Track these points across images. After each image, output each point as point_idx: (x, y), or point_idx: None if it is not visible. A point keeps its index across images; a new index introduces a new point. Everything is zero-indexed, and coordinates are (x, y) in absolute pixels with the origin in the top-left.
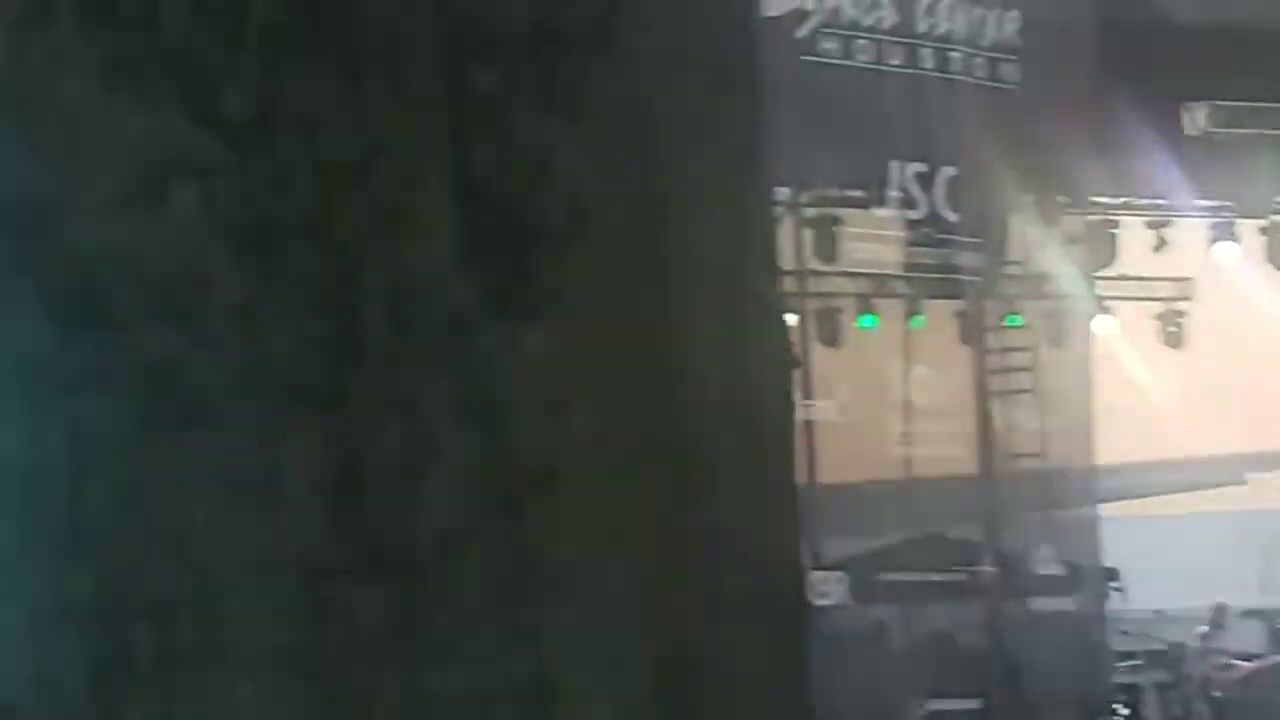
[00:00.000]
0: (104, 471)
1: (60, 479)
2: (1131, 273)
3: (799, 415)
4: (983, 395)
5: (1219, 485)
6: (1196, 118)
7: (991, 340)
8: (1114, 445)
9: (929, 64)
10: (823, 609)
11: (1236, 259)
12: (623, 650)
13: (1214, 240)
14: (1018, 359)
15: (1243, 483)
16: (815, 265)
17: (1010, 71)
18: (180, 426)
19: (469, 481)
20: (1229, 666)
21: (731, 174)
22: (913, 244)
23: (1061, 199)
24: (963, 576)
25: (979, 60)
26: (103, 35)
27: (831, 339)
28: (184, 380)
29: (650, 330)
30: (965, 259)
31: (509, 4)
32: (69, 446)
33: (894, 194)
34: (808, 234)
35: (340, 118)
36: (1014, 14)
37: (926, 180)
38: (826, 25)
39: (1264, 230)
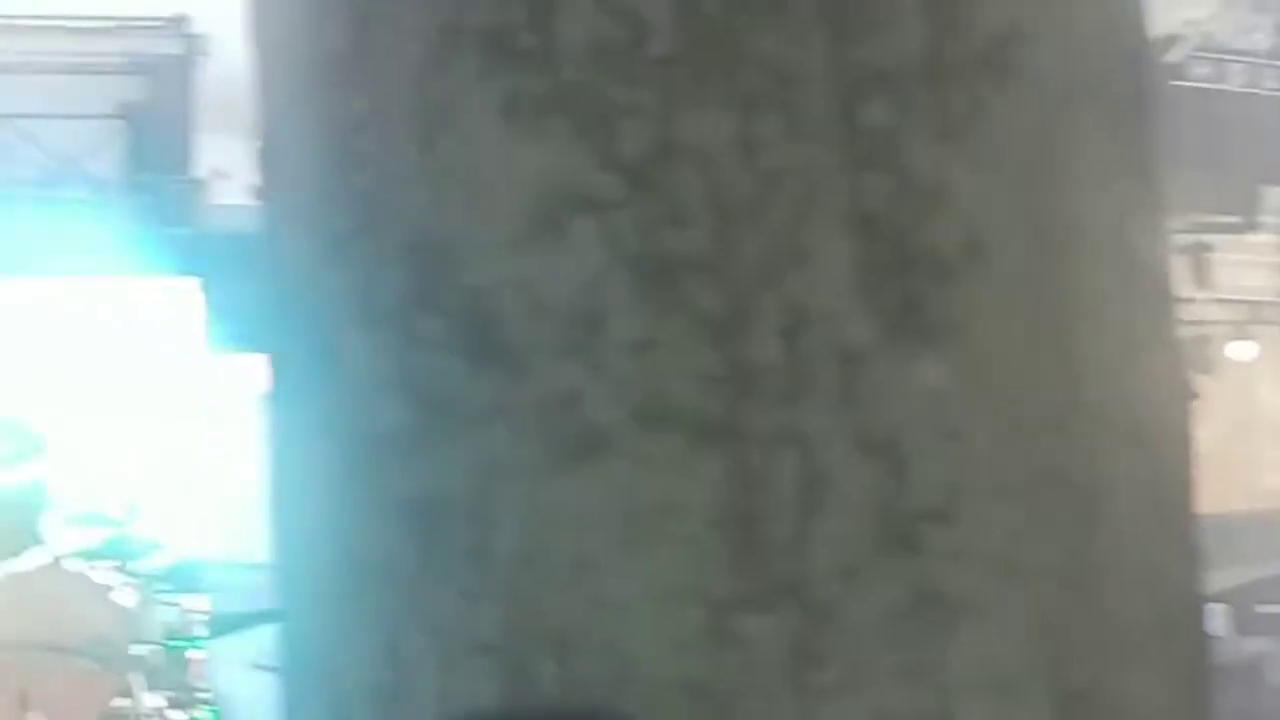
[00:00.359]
0: (508, 504)
1: (466, 511)
2: None
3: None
4: None
5: None
6: None
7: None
8: None
9: None
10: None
11: None
12: (1023, 682)
13: None
14: None
15: None
16: (1188, 292)
17: None
18: (581, 459)
19: (866, 513)
20: None
21: (1128, 204)
22: None
23: None
24: None
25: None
26: (503, 73)
27: (1205, 367)
28: (584, 414)
29: (1047, 360)
30: None
31: (902, 36)
32: (475, 480)
33: (1267, 219)
34: (1180, 261)
35: (736, 152)
36: None
37: None
38: (1199, 49)
39: None
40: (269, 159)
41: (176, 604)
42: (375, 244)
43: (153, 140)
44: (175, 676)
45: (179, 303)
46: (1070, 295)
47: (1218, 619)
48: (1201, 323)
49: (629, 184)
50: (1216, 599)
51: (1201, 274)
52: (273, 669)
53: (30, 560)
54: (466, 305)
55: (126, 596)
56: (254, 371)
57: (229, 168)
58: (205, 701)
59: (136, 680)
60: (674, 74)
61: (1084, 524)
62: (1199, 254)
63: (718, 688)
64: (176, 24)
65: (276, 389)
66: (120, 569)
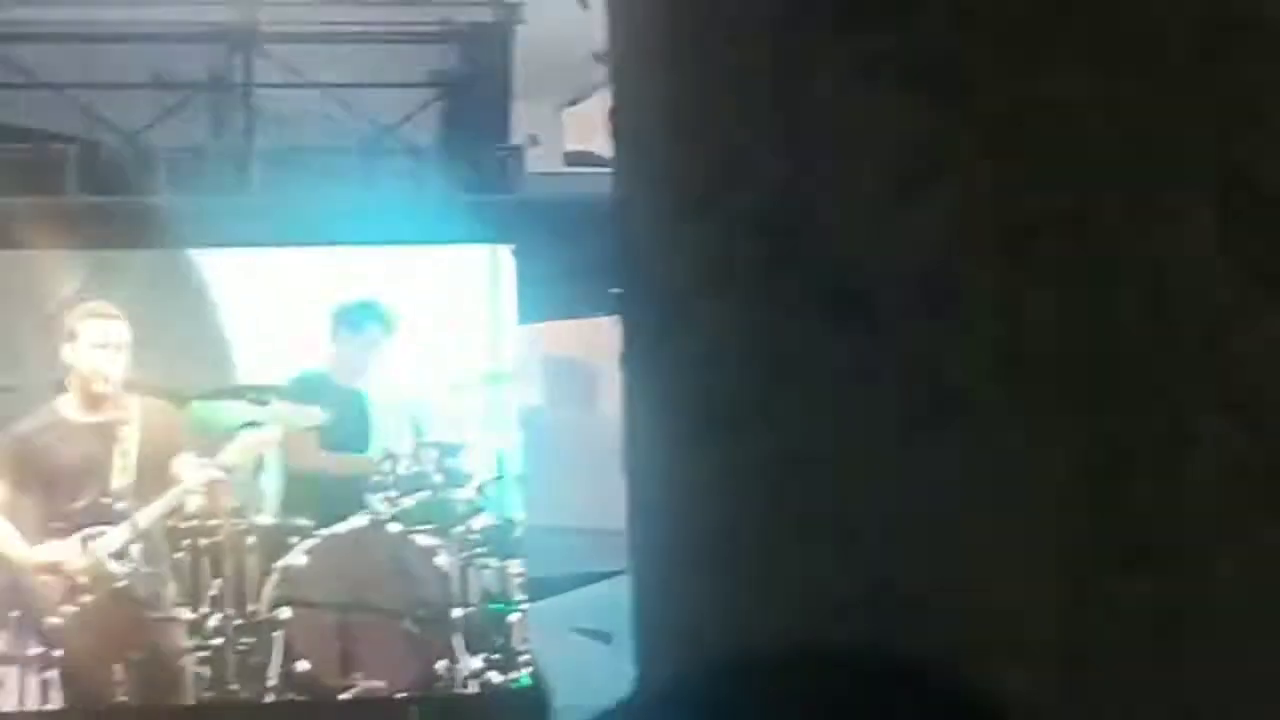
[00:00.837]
0: (866, 467)
1: (823, 475)
2: None
3: None
4: None
5: None
6: None
7: None
8: None
9: None
10: None
11: None
12: None
13: None
14: None
15: None
16: None
17: None
18: (941, 421)
19: (1228, 472)
20: None
21: None
22: None
23: None
24: None
25: None
26: (861, 33)
27: None
28: (944, 375)
29: None
30: None
31: None
32: (831, 443)
33: None
34: None
35: (1098, 110)
36: None
37: None
38: None
39: None
40: (621, 124)
41: (496, 568)
42: (730, 207)
43: (469, 108)
44: (495, 640)
45: (495, 270)
46: None
47: None
48: None
49: (989, 144)
50: None
51: None
52: (589, 632)
53: (353, 524)
54: (824, 267)
55: (447, 560)
56: (566, 338)
57: (544, 135)
58: (525, 665)
59: (457, 643)
60: (1034, 33)
61: None
62: None
63: (1082, 649)
64: None
65: (629, 353)
66: (440, 533)
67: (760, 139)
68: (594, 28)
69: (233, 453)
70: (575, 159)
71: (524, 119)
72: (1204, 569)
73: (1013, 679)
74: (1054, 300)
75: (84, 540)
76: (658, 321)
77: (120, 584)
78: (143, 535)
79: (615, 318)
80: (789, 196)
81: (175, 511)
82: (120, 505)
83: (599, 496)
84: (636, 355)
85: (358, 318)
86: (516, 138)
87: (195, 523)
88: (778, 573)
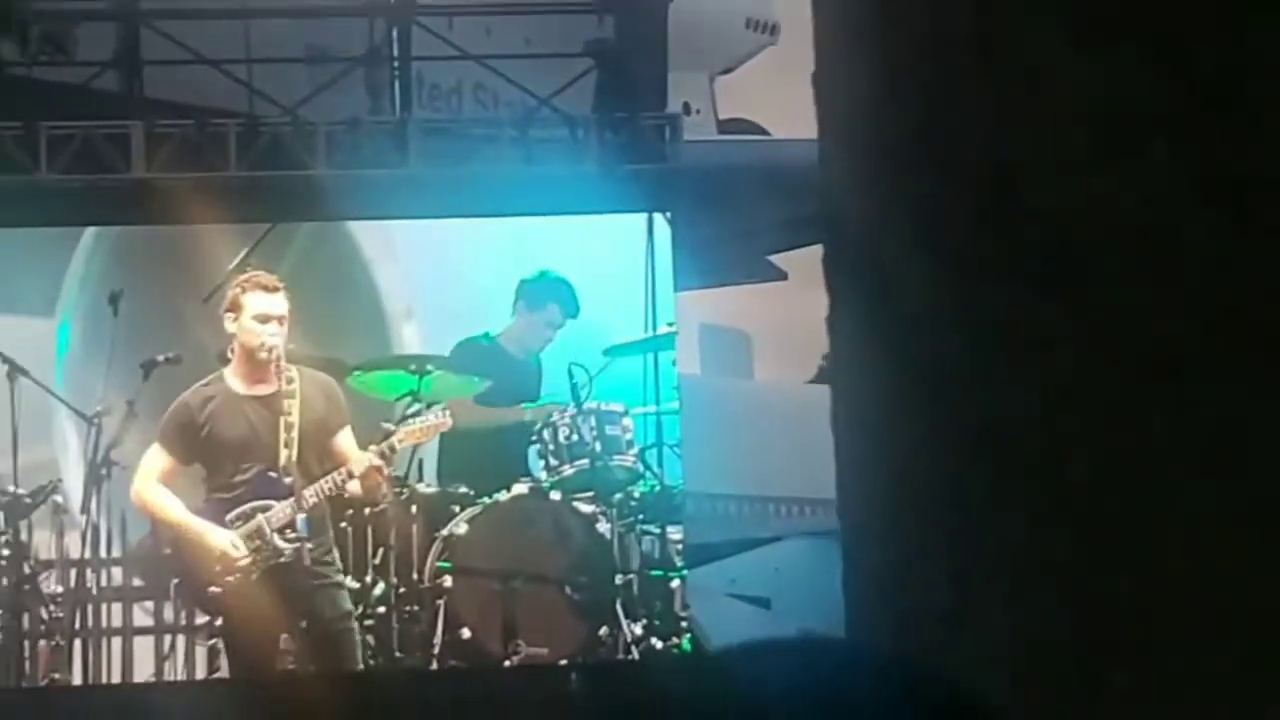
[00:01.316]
0: (1078, 427)
1: (1034, 436)
2: None
3: None
4: None
5: None
6: None
7: None
8: None
9: None
10: None
11: None
12: None
13: None
14: None
15: None
16: None
17: None
18: (1154, 380)
19: None
20: None
21: None
22: None
23: None
24: None
25: None
26: None
27: None
28: (1157, 334)
29: None
30: None
31: None
32: (1042, 404)
33: None
34: None
35: None
36: None
37: None
38: None
39: None
40: (824, 90)
41: (655, 534)
42: (935, 170)
43: (625, 78)
44: (655, 605)
45: (653, 238)
46: None
47: None
48: None
49: (1201, 103)
50: None
51: None
52: (748, 598)
53: (514, 492)
54: (1032, 228)
55: (607, 527)
56: (721, 305)
57: (698, 104)
58: (685, 630)
59: (618, 610)
60: None
61: None
62: None
63: None
64: None
65: (836, 318)
66: (601, 500)
67: (965, 102)
68: None
69: (405, 438)
70: (729, 127)
71: (677, 88)
72: None
73: (1231, 643)
74: (1264, 259)
75: (248, 514)
76: (868, 285)
77: (286, 559)
78: (308, 509)
79: (773, 282)
80: (994, 159)
81: (340, 485)
82: (287, 479)
83: (756, 463)
84: (846, 318)
85: (538, 295)
86: (671, 107)
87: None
88: (989, 535)
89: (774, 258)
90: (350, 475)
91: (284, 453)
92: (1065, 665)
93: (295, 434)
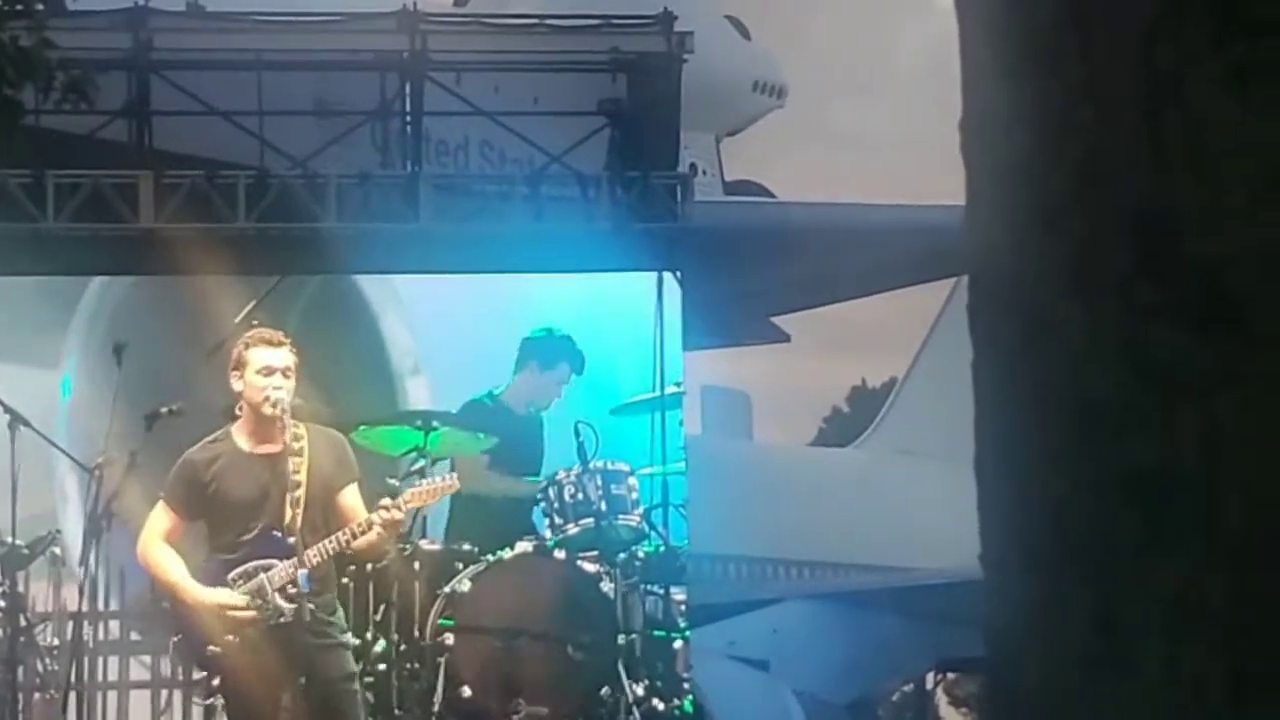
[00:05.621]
0: (1236, 474)
1: (1192, 482)
2: None
3: None
4: None
5: None
6: None
7: None
8: None
9: None
10: None
11: None
12: None
13: None
14: None
15: None
16: None
17: None
18: None
19: None
20: None
21: None
22: None
23: None
24: None
25: None
26: (1235, 41)
27: None
28: None
29: None
30: None
31: None
32: (1200, 450)
33: None
34: None
35: None
36: None
37: None
38: None
39: None
40: (971, 134)
41: (659, 594)
42: (1092, 213)
43: (636, 136)
44: (657, 666)
45: (662, 297)
46: None
47: None
48: None
49: None
50: None
51: None
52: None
53: (518, 550)
54: (1192, 274)
55: (611, 587)
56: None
57: (704, 164)
58: (686, 692)
59: (620, 670)
60: None
61: None
62: None
63: None
64: (661, 21)
65: (982, 360)
66: (605, 559)
67: (1124, 147)
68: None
69: (412, 499)
70: (735, 189)
71: (684, 149)
72: None
73: None
74: None
75: (250, 573)
76: (1015, 328)
77: (285, 619)
78: (311, 568)
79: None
80: (1154, 204)
81: (345, 545)
82: (290, 540)
83: (757, 525)
84: (993, 363)
85: (550, 354)
86: (683, 166)
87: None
88: (1143, 581)
89: (777, 319)
90: (354, 535)
91: (289, 512)
92: (1219, 715)
93: (301, 493)
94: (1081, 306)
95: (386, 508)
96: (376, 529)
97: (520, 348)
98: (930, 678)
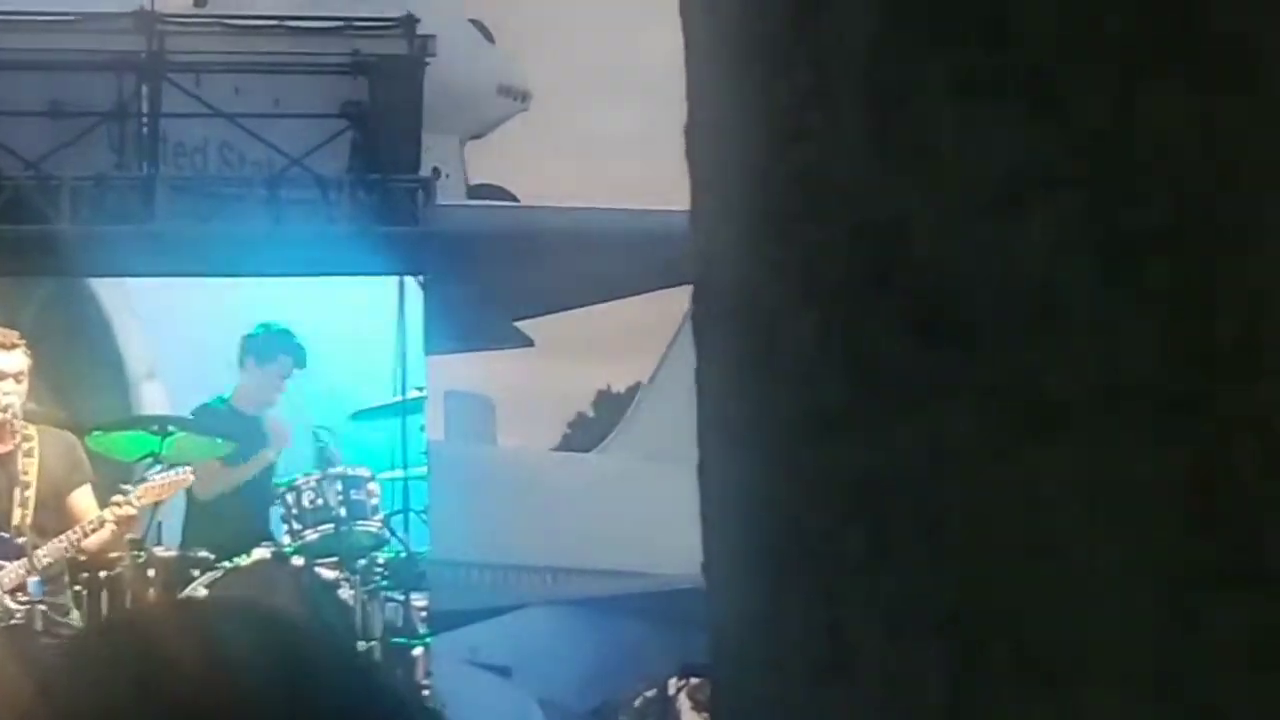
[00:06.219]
0: (961, 483)
1: (917, 490)
2: None
3: None
4: None
5: None
6: None
7: None
8: None
9: None
10: None
11: None
12: None
13: None
14: None
15: None
16: None
17: None
18: (1039, 438)
19: None
20: None
21: None
22: None
23: None
24: None
25: None
26: (958, 50)
27: None
28: (1042, 392)
29: None
30: None
31: None
32: (925, 459)
33: None
34: None
35: (1195, 131)
36: None
37: None
38: None
39: None
40: (697, 140)
41: (399, 601)
42: (820, 221)
43: (378, 140)
44: (398, 673)
45: (403, 301)
46: None
47: None
48: None
49: (1087, 162)
50: None
51: None
52: (489, 666)
53: (255, 557)
54: (920, 284)
55: (350, 594)
56: (469, 371)
57: (448, 168)
58: (427, 699)
59: None
60: (1133, 51)
61: None
62: None
63: (1178, 667)
64: (403, 24)
65: (707, 369)
66: (344, 566)
67: (852, 155)
68: (497, 62)
69: (145, 495)
70: (478, 192)
71: (427, 152)
72: None
73: (1106, 701)
74: (1152, 317)
75: None
76: (747, 339)
77: (17, 620)
78: (43, 569)
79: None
80: (882, 213)
81: (76, 544)
82: (19, 540)
83: (500, 531)
84: (719, 372)
85: (266, 348)
86: (424, 170)
87: (96, 555)
88: (867, 589)
89: (521, 323)
90: (86, 533)
91: (18, 512)
92: (939, 718)
93: (31, 494)
94: (808, 315)
95: (119, 503)
96: (109, 525)
97: (239, 346)
98: (673, 683)
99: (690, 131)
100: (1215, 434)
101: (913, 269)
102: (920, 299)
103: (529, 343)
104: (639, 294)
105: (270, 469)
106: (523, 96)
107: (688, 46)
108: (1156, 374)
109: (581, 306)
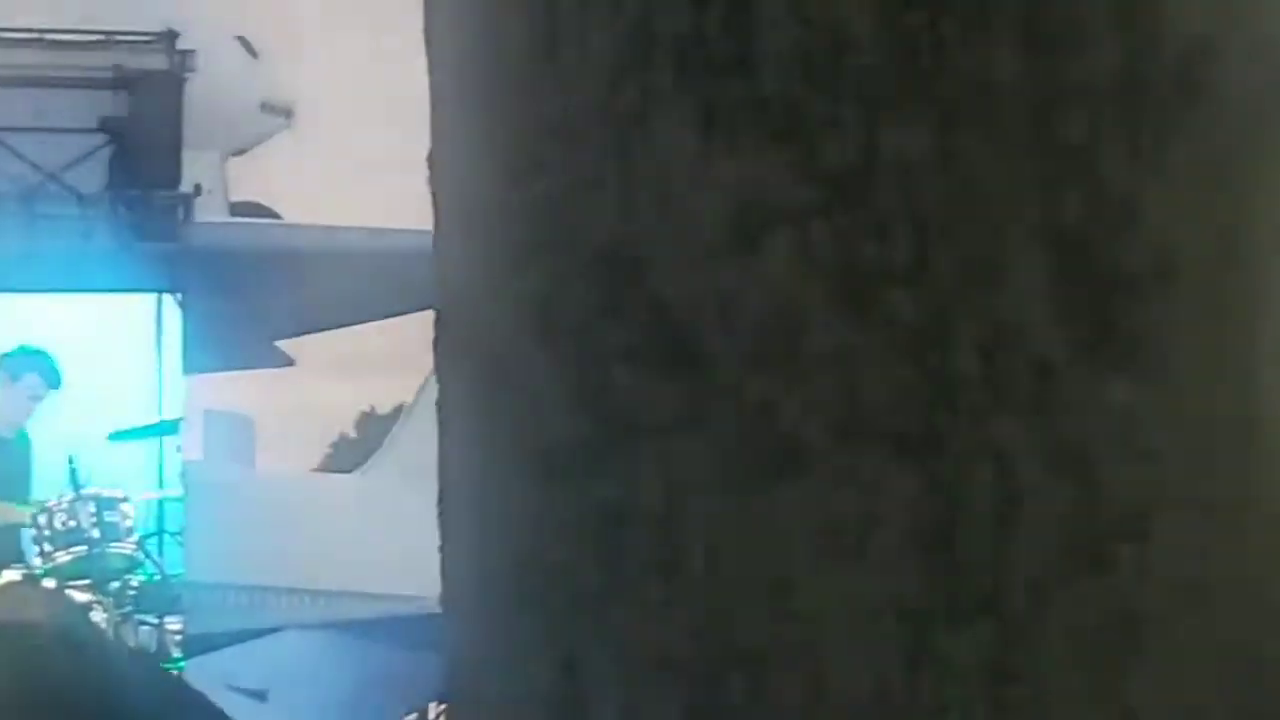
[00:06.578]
0: (698, 518)
1: (653, 525)
2: None
3: None
4: None
5: None
6: None
7: None
8: None
9: None
10: None
11: None
12: (1208, 706)
13: None
14: None
15: None
16: None
17: None
18: (776, 473)
19: (1060, 530)
20: None
21: None
22: None
23: None
24: None
25: None
26: (699, 82)
27: None
28: (780, 427)
29: (1232, 378)
30: None
31: (1098, 51)
32: (662, 494)
33: None
34: None
35: (935, 165)
36: None
37: None
38: None
39: None
40: (439, 168)
41: (153, 624)
42: (560, 254)
43: (137, 155)
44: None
45: (161, 319)
46: (1253, 315)
47: None
48: None
49: (828, 196)
50: None
51: None
52: (246, 691)
53: (5, 578)
54: (657, 317)
55: (103, 617)
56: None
57: (210, 184)
58: None
59: None
60: (875, 85)
61: (1269, 548)
62: None
63: (913, 704)
64: (164, 39)
65: (447, 399)
66: (97, 589)
67: (591, 187)
68: (261, 78)
69: None
70: (240, 210)
71: (188, 168)
72: (1031, 626)
73: None
74: (890, 353)
75: None
76: (478, 370)
77: None
78: None
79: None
80: (621, 245)
81: None
82: None
83: (258, 553)
84: (458, 404)
85: (18, 366)
86: (185, 186)
87: None
88: (603, 624)
89: (281, 343)
90: None
91: None
92: None
93: None
94: (545, 349)
95: None
96: None
97: None
98: (433, 708)
99: (433, 158)
100: (951, 472)
101: (650, 301)
102: (658, 332)
103: (290, 362)
104: (404, 314)
105: (24, 488)
106: (287, 113)
107: (431, 71)
108: (895, 409)
109: (345, 326)
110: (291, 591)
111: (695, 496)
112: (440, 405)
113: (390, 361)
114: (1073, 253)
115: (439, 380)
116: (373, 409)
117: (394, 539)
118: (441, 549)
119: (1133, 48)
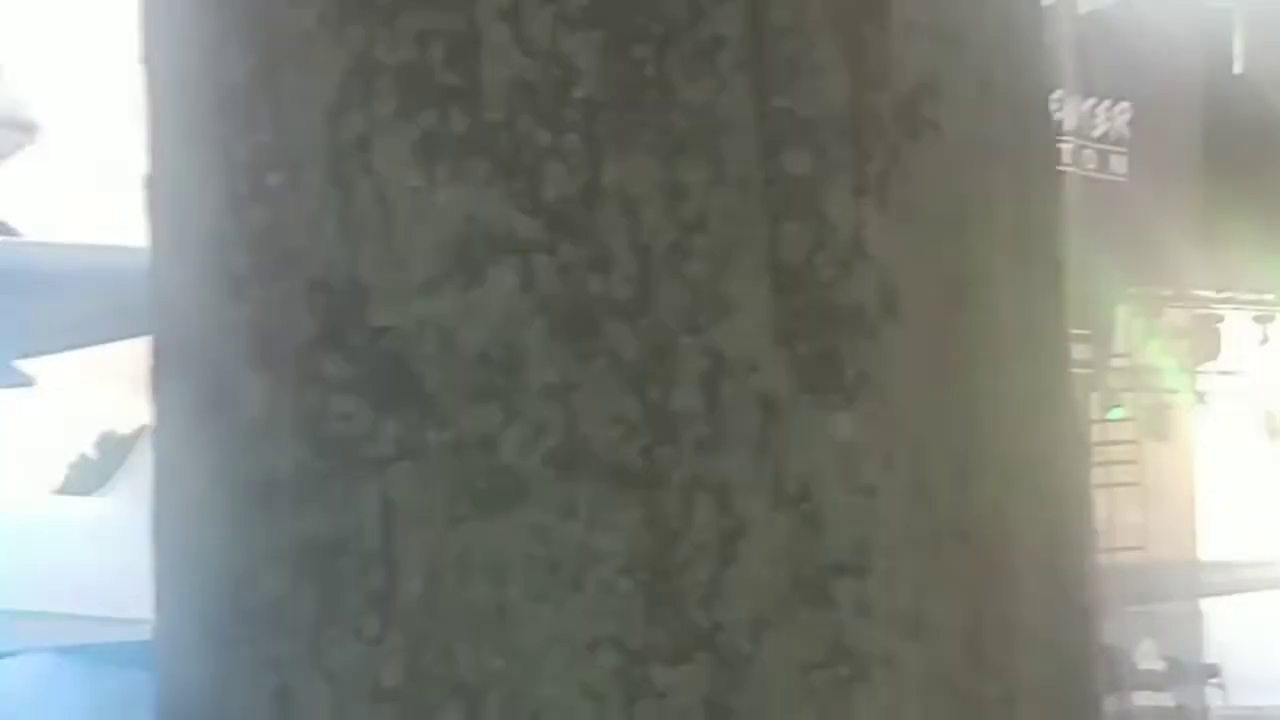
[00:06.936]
0: (414, 549)
1: (368, 556)
2: (1235, 368)
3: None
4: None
5: None
6: None
7: (1095, 433)
8: (1216, 540)
9: None
10: None
11: None
12: None
13: None
14: (1120, 452)
15: None
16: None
17: (1119, 164)
18: (495, 505)
19: (780, 564)
20: None
21: (1031, 264)
22: None
23: (1166, 292)
24: None
25: (1088, 152)
26: (421, 112)
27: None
28: (499, 459)
29: (953, 416)
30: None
31: (824, 87)
32: (378, 524)
33: None
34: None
35: (659, 198)
36: (1124, 105)
37: None
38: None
39: None
40: (156, 193)
41: None
42: (277, 283)
43: None
44: None
45: None
46: (976, 354)
47: None
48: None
49: (551, 227)
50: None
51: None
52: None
53: None
54: (374, 347)
55: None
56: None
57: None
58: None
59: None
60: (599, 118)
61: (985, 582)
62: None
63: None
64: None
65: (160, 430)
66: None
67: (310, 217)
68: (3, 96)
69: None
70: None
71: None
72: (751, 661)
73: None
74: (611, 386)
75: None
76: (194, 398)
77: None
78: None
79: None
80: (339, 275)
81: None
82: None
83: None
84: (173, 432)
85: None
86: None
87: None
88: (317, 656)
89: (20, 363)
90: None
91: None
92: None
93: None
94: (261, 378)
95: None
96: None
97: None
98: None
99: (149, 184)
100: (672, 505)
101: (368, 331)
102: (377, 362)
103: (30, 382)
104: (147, 334)
105: None
106: (30, 129)
107: (149, 91)
108: (614, 443)
109: (87, 346)
110: (28, 615)
111: (413, 528)
112: (154, 430)
113: (134, 380)
114: (797, 287)
115: (153, 405)
116: (113, 430)
117: (134, 562)
118: (154, 575)
119: (859, 82)
